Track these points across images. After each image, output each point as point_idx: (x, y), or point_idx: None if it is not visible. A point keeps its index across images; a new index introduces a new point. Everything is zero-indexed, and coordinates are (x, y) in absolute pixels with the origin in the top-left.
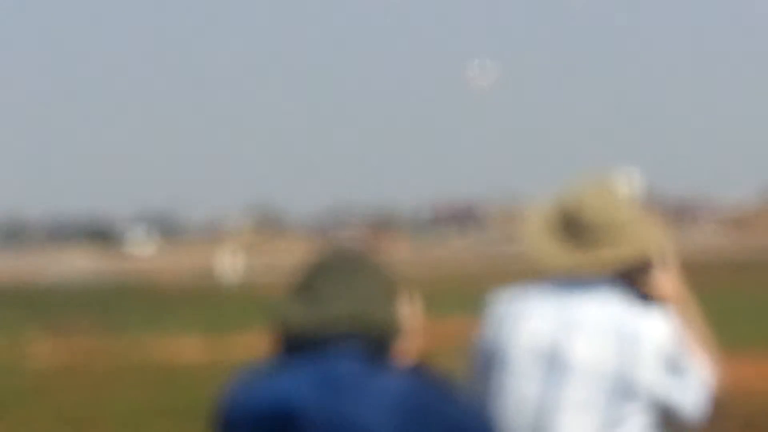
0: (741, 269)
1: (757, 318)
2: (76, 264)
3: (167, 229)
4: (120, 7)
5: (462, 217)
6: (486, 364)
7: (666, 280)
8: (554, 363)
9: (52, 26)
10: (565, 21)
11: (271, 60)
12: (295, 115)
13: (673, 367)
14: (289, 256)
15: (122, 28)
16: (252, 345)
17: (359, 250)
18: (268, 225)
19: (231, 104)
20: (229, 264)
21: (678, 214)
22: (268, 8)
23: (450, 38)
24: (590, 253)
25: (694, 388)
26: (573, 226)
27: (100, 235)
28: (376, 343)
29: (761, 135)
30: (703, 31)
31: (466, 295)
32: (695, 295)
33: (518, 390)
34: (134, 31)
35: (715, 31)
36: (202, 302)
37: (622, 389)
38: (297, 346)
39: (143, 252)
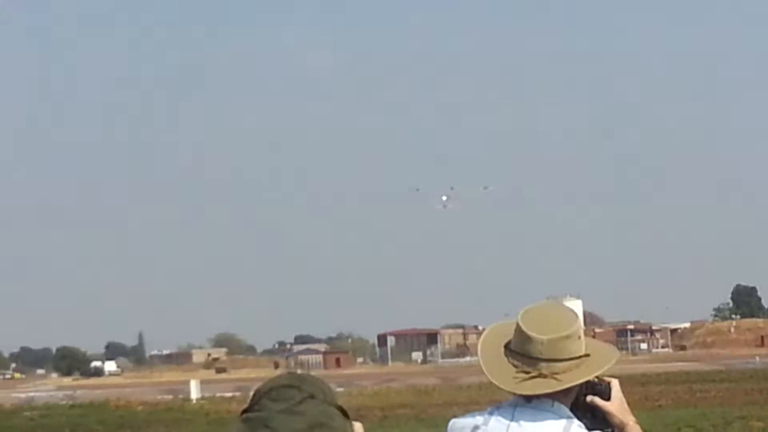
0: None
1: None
2: (47, 387)
3: (138, 360)
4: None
5: (420, 340)
6: None
7: (612, 401)
8: None
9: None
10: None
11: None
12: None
13: None
14: (254, 379)
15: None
16: None
17: (313, 376)
18: (234, 351)
19: (192, 241)
20: (196, 386)
21: (618, 337)
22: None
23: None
24: (541, 378)
25: None
26: (530, 348)
27: (74, 364)
28: None
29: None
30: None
31: (423, 412)
32: (649, 409)
33: None
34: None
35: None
36: (170, 422)
37: None
38: None
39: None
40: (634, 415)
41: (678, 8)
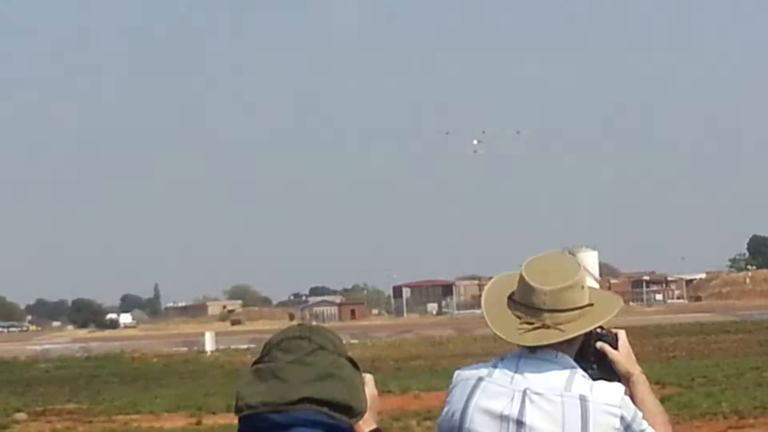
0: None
1: (715, 384)
2: (63, 339)
3: (153, 312)
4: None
5: (435, 292)
6: None
7: (620, 352)
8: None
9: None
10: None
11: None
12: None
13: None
14: (269, 331)
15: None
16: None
17: (323, 327)
18: (249, 303)
19: (209, 196)
20: (211, 338)
21: (634, 288)
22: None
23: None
24: (544, 328)
25: None
26: (533, 298)
27: (89, 317)
28: (337, 425)
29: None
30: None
31: (437, 363)
32: (663, 360)
33: None
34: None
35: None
36: (185, 374)
37: None
38: (257, 426)
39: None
40: (645, 365)
41: None
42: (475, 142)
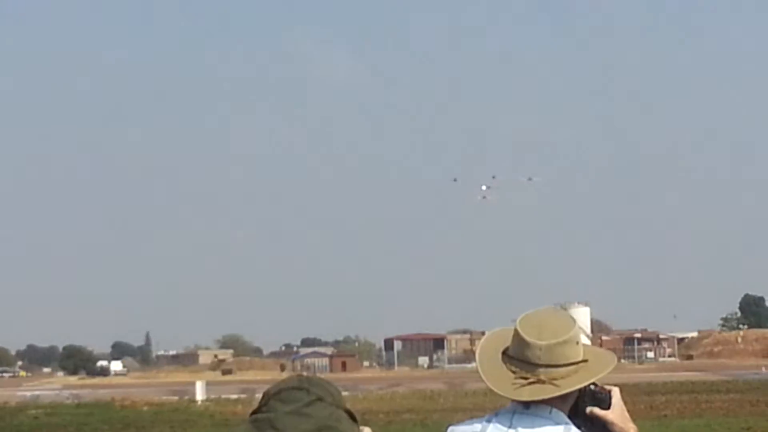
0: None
1: None
2: (53, 386)
3: (144, 360)
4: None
5: (426, 345)
6: None
7: (613, 410)
8: None
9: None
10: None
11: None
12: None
13: None
14: (260, 382)
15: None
16: None
17: (322, 379)
18: (240, 353)
19: (201, 245)
20: (202, 387)
21: (625, 345)
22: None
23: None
24: (539, 384)
25: None
26: (528, 353)
27: (80, 363)
28: None
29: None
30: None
31: (428, 417)
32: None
33: None
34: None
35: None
36: (176, 423)
37: None
38: None
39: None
40: (636, 423)
41: None
42: (483, 188)
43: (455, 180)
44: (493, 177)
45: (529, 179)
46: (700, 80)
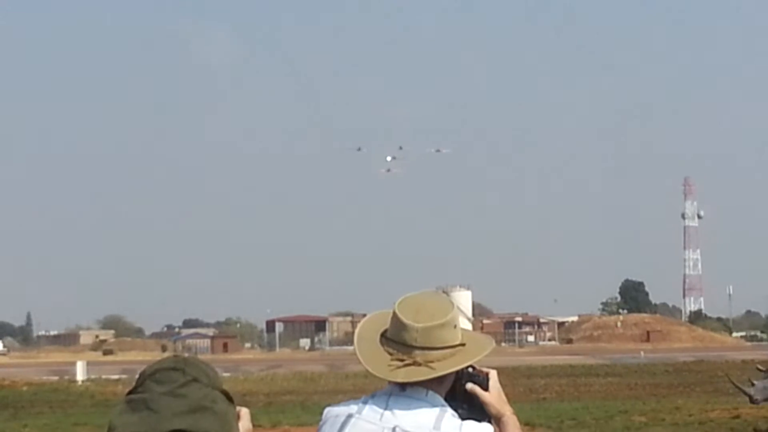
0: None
1: (584, 427)
2: None
3: (25, 340)
4: None
5: (308, 327)
6: None
7: (491, 392)
8: None
9: None
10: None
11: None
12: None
13: None
14: (141, 362)
15: None
16: None
17: (198, 359)
18: (122, 334)
19: (83, 226)
20: (83, 367)
21: (506, 329)
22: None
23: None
24: (415, 366)
25: None
26: (405, 335)
27: None
28: None
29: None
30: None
31: (308, 399)
32: (533, 402)
33: None
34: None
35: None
36: (55, 403)
37: None
38: None
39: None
40: (515, 406)
41: None
42: (388, 159)
43: (359, 149)
44: (400, 148)
45: (437, 151)
46: (581, 61)
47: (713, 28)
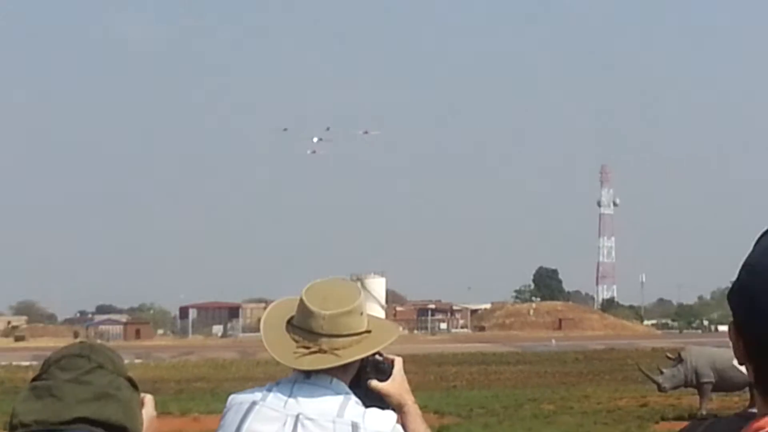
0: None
1: (493, 415)
2: None
3: None
4: None
5: (221, 314)
6: None
7: (393, 379)
8: None
9: None
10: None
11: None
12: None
13: None
14: (53, 349)
15: None
16: None
17: (103, 345)
18: (34, 320)
19: None
20: None
21: (420, 316)
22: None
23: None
24: (320, 353)
25: None
26: (311, 323)
27: None
28: None
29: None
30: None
31: (219, 386)
32: (443, 389)
33: None
34: None
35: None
36: None
37: None
38: None
39: None
40: (426, 394)
41: None
42: (315, 140)
43: (285, 129)
44: (327, 128)
45: (365, 132)
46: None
47: (626, 14)
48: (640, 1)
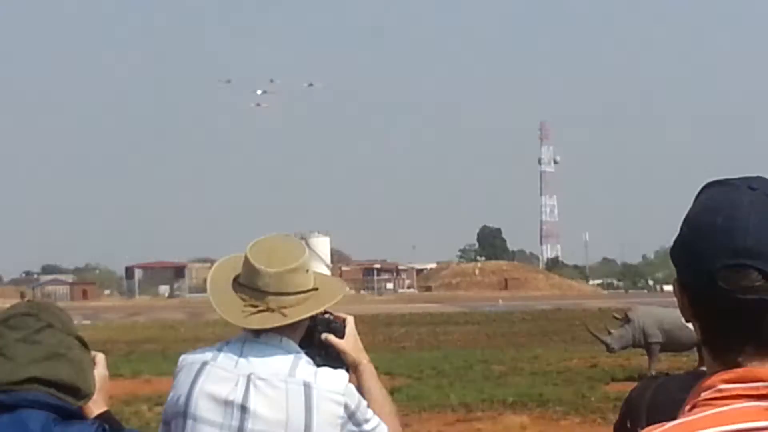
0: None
1: (444, 376)
2: None
3: None
4: None
5: (167, 273)
6: (174, 421)
7: (347, 339)
8: (235, 417)
9: None
10: None
11: None
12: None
13: (354, 420)
14: None
15: None
16: None
17: (52, 304)
18: None
19: None
20: None
21: (365, 276)
22: None
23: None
24: (268, 312)
25: None
26: (257, 281)
27: None
28: (64, 406)
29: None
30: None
31: (168, 347)
32: (393, 350)
33: None
34: None
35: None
36: None
37: None
38: None
39: None
40: (374, 355)
41: None
42: (259, 92)
43: (228, 81)
44: (272, 81)
45: (310, 85)
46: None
47: None
48: None
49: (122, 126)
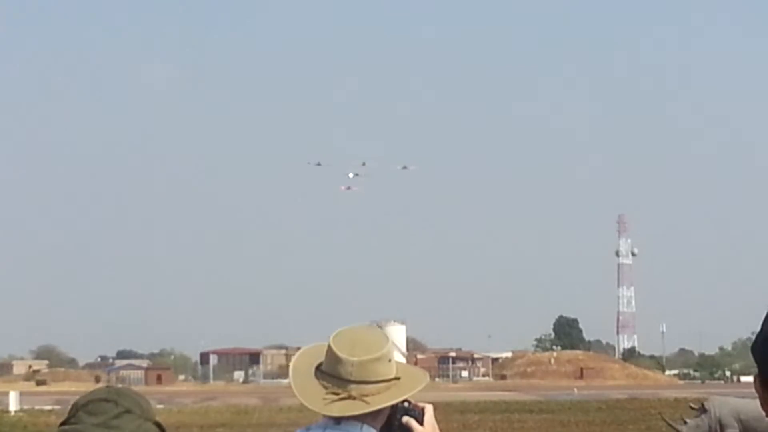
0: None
1: None
2: None
3: None
4: None
5: (242, 360)
6: None
7: (425, 427)
8: None
9: None
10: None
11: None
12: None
13: None
14: (74, 393)
15: None
16: None
17: (131, 390)
18: (55, 364)
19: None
20: (16, 398)
21: (440, 364)
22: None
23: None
24: (350, 399)
25: None
26: (340, 369)
27: None
28: None
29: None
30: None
31: (240, 431)
32: None
33: None
34: None
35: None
36: None
37: None
38: None
39: None
40: None
41: None
42: (351, 175)
43: (318, 164)
44: (364, 164)
45: (404, 168)
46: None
47: (651, 64)
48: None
49: (201, 210)
